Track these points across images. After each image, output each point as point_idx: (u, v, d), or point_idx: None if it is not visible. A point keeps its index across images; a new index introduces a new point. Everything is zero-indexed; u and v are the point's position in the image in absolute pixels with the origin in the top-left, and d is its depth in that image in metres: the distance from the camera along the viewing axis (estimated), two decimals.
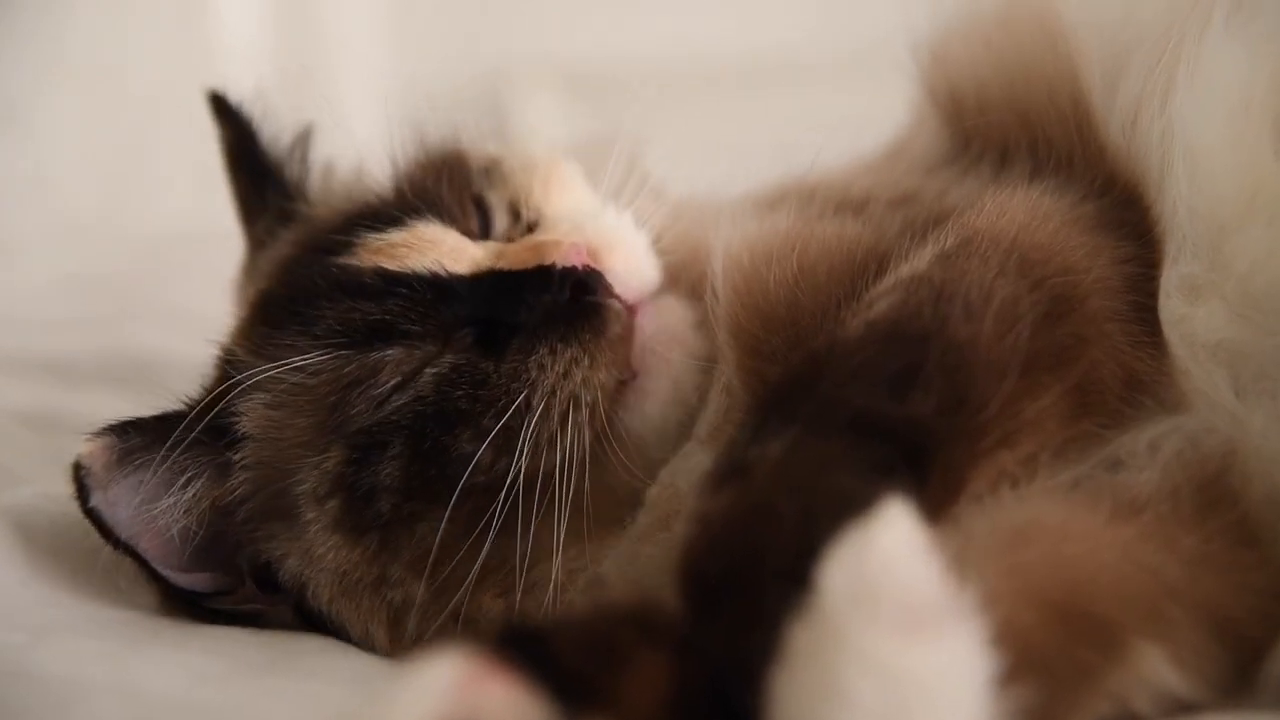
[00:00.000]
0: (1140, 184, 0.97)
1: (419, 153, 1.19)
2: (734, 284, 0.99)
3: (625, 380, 1.01)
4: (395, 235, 1.06)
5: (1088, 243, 0.92)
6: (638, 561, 0.97)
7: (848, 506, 0.69)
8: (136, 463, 0.99)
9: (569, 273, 1.00)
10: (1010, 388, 0.80)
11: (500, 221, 1.12)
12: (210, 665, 0.95)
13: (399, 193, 1.13)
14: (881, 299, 0.86)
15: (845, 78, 1.68)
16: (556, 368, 0.97)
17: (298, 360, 1.00)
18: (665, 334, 1.02)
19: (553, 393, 0.97)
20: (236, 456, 1.02)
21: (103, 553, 1.01)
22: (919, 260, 0.90)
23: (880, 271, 0.93)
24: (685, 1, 2.54)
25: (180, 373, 1.60)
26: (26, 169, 2.43)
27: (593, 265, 1.01)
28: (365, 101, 2.75)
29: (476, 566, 0.96)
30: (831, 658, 0.64)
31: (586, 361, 0.98)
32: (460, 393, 0.99)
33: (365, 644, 1.02)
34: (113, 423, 1.00)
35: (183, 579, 1.03)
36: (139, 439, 1.00)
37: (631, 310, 1.02)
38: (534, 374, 0.98)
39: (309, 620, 1.05)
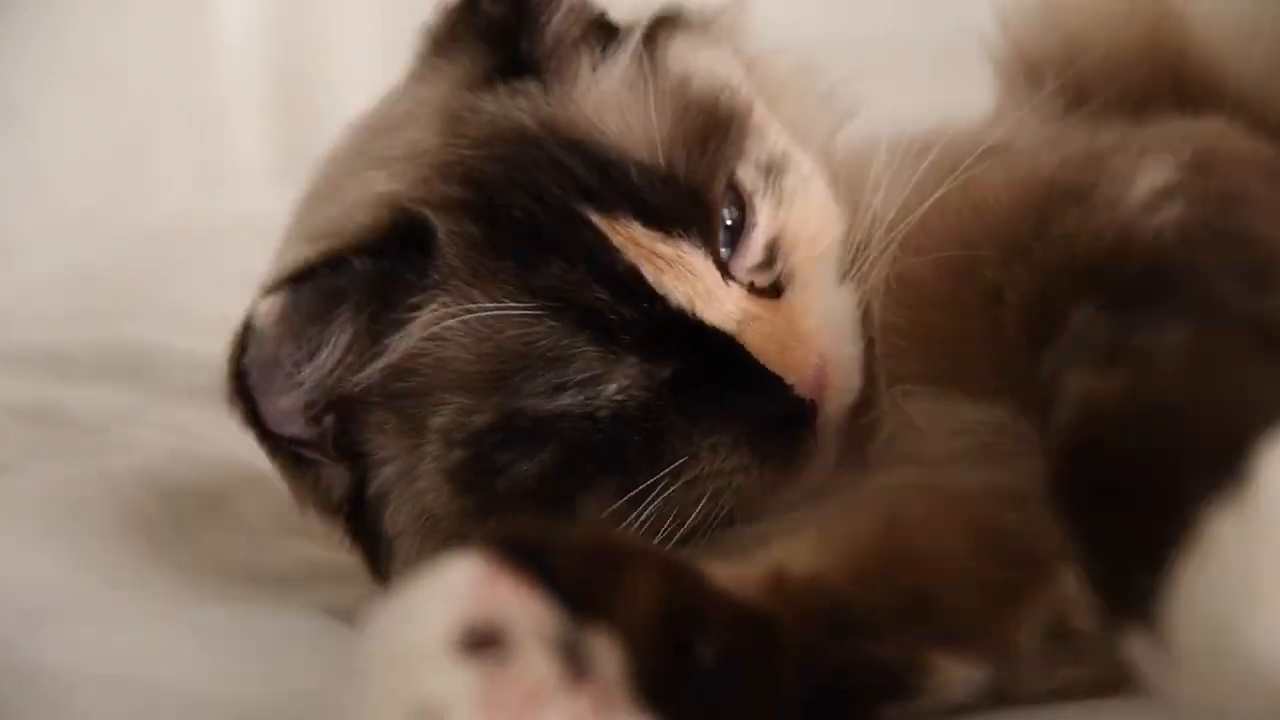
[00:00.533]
0: None
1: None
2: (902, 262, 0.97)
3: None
4: (663, 248, 0.96)
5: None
6: None
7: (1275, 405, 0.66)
8: (299, 330, 0.94)
9: (798, 403, 0.95)
10: None
11: (754, 255, 1.00)
12: (218, 655, 0.94)
13: (670, 163, 0.98)
14: (1162, 204, 0.84)
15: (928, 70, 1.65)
16: (724, 463, 0.94)
17: (507, 306, 0.94)
18: (824, 463, 0.98)
19: (705, 479, 0.94)
20: (393, 345, 0.96)
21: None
22: (1157, 170, 0.88)
23: (1078, 182, 0.90)
24: None
25: (178, 368, 1.62)
26: (26, 166, 2.43)
27: (819, 401, 0.95)
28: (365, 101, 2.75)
29: None
30: (1260, 555, 0.61)
31: (755, 475, 0.95)
32: (633, 434, 0.95)
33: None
34: (290, 274, 0.94)
35: (275, 412, 0.97)
36: (311, 303, 0.94)
37: (819, 442, 0.97)
38: (702, 452, 0.94)
39: (355, 526, 1.01)
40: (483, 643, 0.63)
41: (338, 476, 1.01)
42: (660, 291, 0.95)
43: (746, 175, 1.02)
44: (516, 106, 1.01)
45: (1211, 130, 0.97)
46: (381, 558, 1.01)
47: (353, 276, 0.95)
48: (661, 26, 1.09)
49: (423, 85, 1.08)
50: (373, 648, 0.66)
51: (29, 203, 2.39)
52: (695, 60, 1.07)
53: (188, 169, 2.62)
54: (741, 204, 1.01)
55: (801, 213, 1.03)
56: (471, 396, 0.96)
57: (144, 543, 1.12)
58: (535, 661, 0.64)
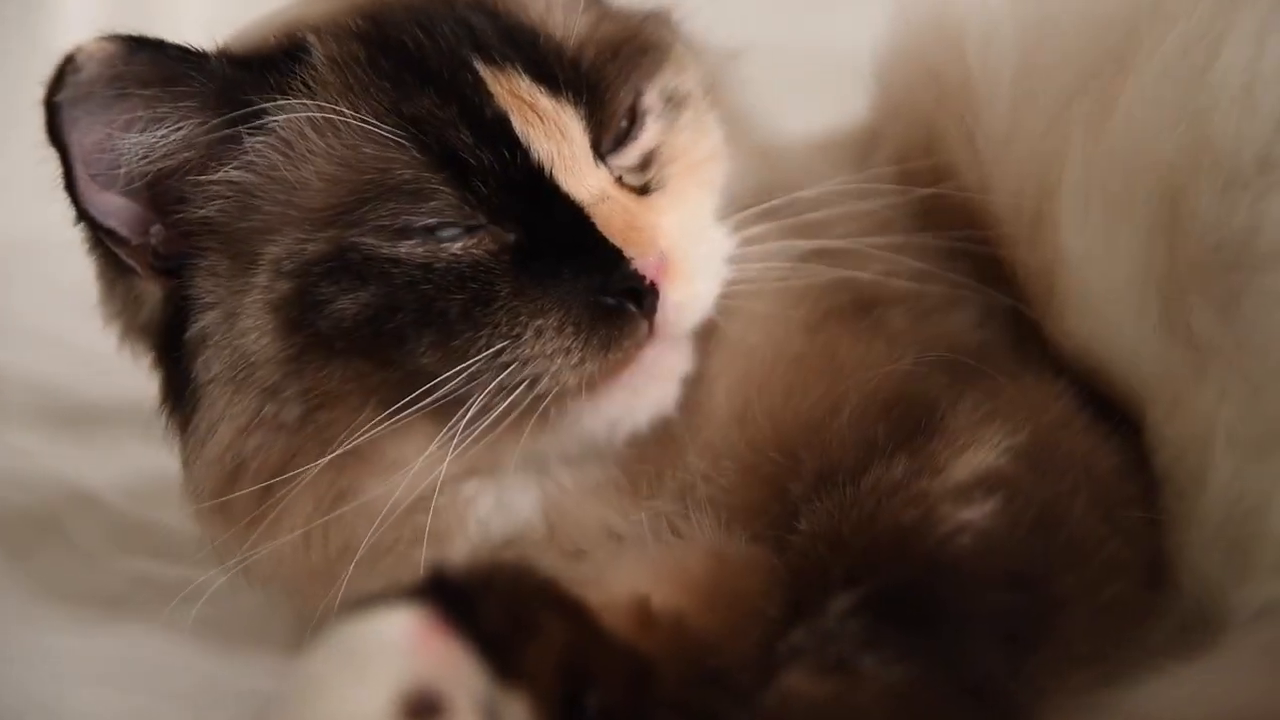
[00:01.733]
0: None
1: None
2: (746, 397, 0.98)
3: (596, 385, 0.96)
4: (544, 101, 0.97)
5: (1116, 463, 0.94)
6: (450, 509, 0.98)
7: None
8: (136, 90, 0.92)
9: (634, 278, 0.94)
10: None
11: (630, 157, 1.03)
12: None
13: (580, 48, 1.02)
14: (976, 497, 0.85)
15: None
16: (545, 345, 0.93)
17: (373, 123, 0.93)
18: (657, 377, 0.99)
19: (524, 362, 0.93)
20: (239, 156, 0.95)
21: None
22: (989, 447, 0.90)
23: (915, 418, 0.93)
24: None
25: (6, 386, 1.57)
26: None
27: (658, 283, 0.96)
28: None
29: (351, 437, 0.94)
30: None
31: (576, 359, 0.94)
32: (461, 295, 0.94)
33: (198, 437, 0.97)
34: (131, 35, 0.91)
35: (98, 200, 0.94)
36: (152, 67, 0.92)
37: (652, 339, 0.97)
38: (526, 334, 0.93)
39: (163, 356, 1.00)
40: (423, 712, 0.66)
41: (150, 295, 1.00)
42: (523, 142, 0.95)
43: (649, 96, 1.05)
44: None
45: (1058, 410, 0.96)
46: (185, 402, 0.98)
47: (205, 70, 0.94)
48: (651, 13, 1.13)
49: None
50: (312, 711, 0.67)
51: None
52: (648, 21, 1.11)
53: (25, 179, 2.52)
54: (634, 118, 1.04)
55: (687, 141, 1.06)
56: (311, 225, 0.94)
57: (17, 568, 1.11)
58: None
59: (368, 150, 0.94)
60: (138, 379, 1.63)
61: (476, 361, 0.92)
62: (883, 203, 1.08)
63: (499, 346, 0.92)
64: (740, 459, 0.96)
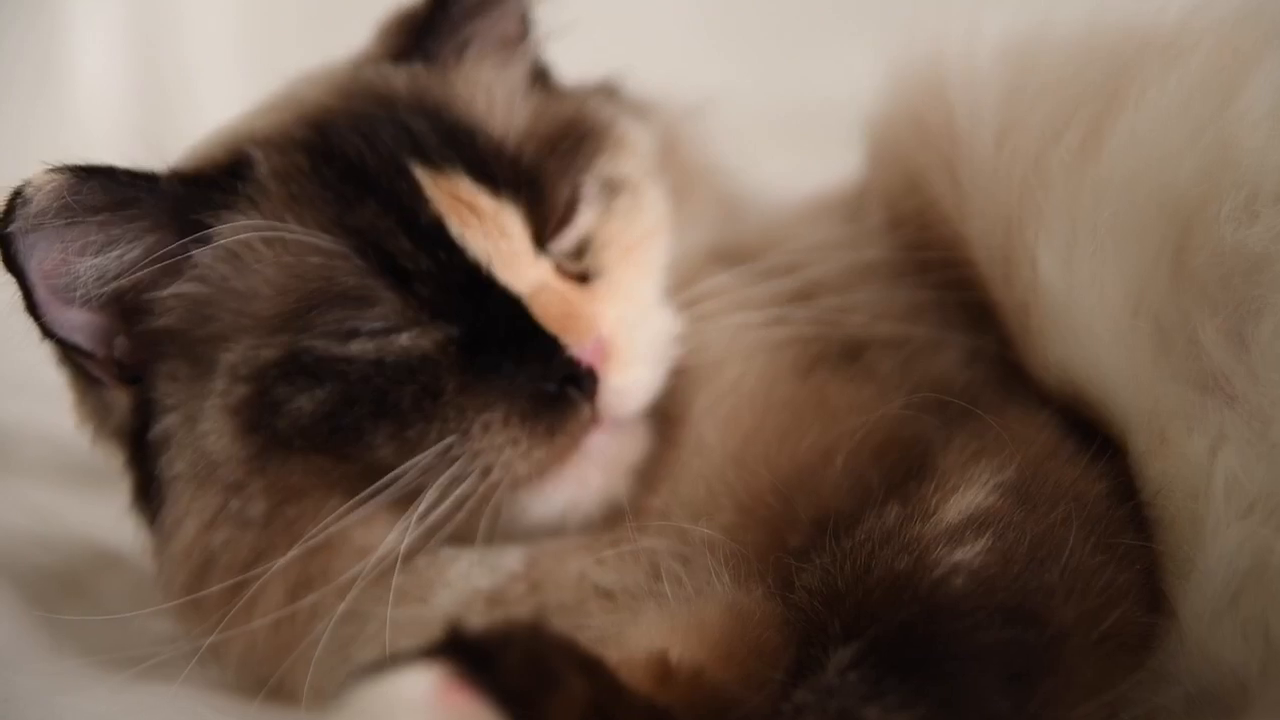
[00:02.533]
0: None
1: (568, 100, 1.14)
2: (741, 437, 0.99)
3: (545, 472, 1.00)
4: (484, 201, 1.02)
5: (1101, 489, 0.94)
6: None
7: None
8: (84, 218, 0.96)
9: (571, 365, 0.99)
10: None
11: (566, 243, 1.08)
12: None
13: (519, 145, 1.07)
14: (968, 537, 0.86)
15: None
16: (494, 438, 0.97)
17: (317, 236, 0.98)
18: (602, 464, 1.02)
19: (475, 455, 0.97)
20: (191, 270, 0.99)
21: None
22: (978, 486, 0.91)
23: (906, 462, 0.94)
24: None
25: (31, 444, 1.56)
26: None
27: (597, 368, 0.99)
28: None
29: (317, 530, 0.97)
30: None
31: (522, 449, 0.98)
32: (411, 387, 0.98)
33: (164, 533, 1.01)
34: (79, 165, 0.96)
35: (60, 317, 0.98)
36: (101, 194, 0.96)
37: (596, 423, 1.01)
38: (474, 429, 0.97)
39: (134, 457, 1.03)
40: None
41: (118, 402, 1.03)
42: (460, 243, 0.99)
43: (587, 186, 1.09)
44: (399, 75, 1.09)
45: (1044, 442, 0.97)
46: (153, 500, 1.02)
47: (155, 191, 0.98)
48: (598, 88, 1.19)
49: (354, 58, 1.16)
50: None
51: None
52: (590, 101, 1.16)
53: None
54: (574, 204, 1.08)
55: (621, 226, 1.10)
56: (264, 331, 0.98)
57: (7, 627, 1.10)
58: None
59: (313, 260, 0.98)
60: None
61: (429, 455, 0.96)
62: (868, 253, 1.11)
63: (449, 441, 0.97)
64: (738, 500, 0.98)
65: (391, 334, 0.98)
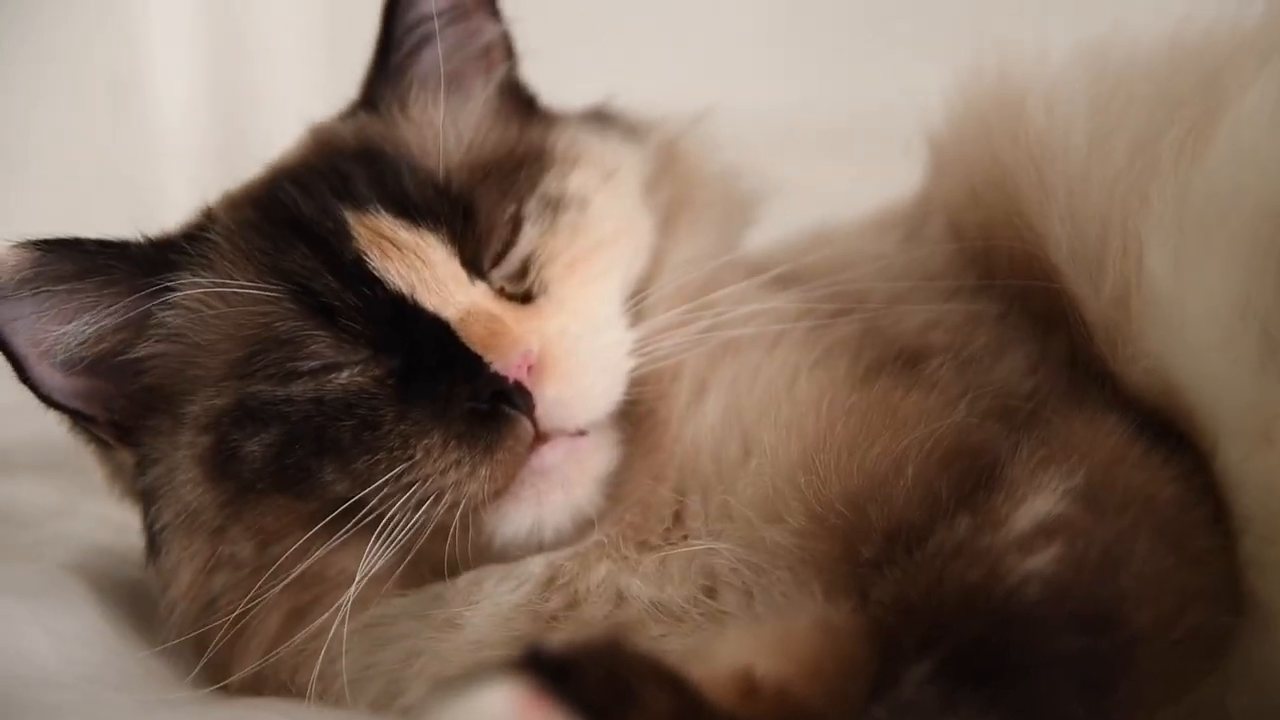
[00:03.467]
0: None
1: (505, 121, 1.17)
2: (806, 443, 0.99)
3: (501, 490, 1.02)
4: (404, 235, 1.04)
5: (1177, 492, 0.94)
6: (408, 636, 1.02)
7: None
8: (51, 287, 1.01)
9: (497, 381, 1.00)
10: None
11: (510, 265, 1.10)
12: None
13: (449, 174, 1.10)
14: (1038, 545, 0.86)
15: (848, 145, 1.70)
16: (438, 462, 0.99)
17: (256, 285, 1.02)
18: (558, 476, 1.03)
19: (424, 480, 0.99)
20: (158, 330, 1.04)
21: None
22: (1047, 494, 0.90)
23: (975, 472, 0.94)
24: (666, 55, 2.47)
25: None
26: None
27: (525, 382, 1.01)
28: None
29: (305, 565, 1.00)
30: None
31: (467, 469, 0.99)
32: (350, 422, 1.00)
33: (163, 580, 1.05)
34: (42, 239, 1.01)
35: (55, 384, 1.04)
36: (65, 264, 1.01)
37: (541, 438, 1.02)
38: (418, 455, 0.99)
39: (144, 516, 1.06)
40: None
41: (126, 462, 1.09)
42: (379, 275, 1.02)
43: (529, 206, 1.11)
44: (348, 126, 1.15)
45: (1112, 446, 0.96)
46: (155, 549, 1.06)
47: (123, 257, 1.03)
48: (589, 115, 1.22)
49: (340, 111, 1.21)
50: None
51: None
52: (557, 126, 1.19)
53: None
54: (517, 226, 1.10)
55: (564, 241, 1.11)
56: (217, 380, 1.03)
57: (120, 644, 1.13)
58: None
59: (253, 309, 1.02)
60: None
61: (383, 484, 0.98)
62: (924, 264, 1.12)
63: (399, 469, 0.99)
64: (809, 507, 0.98)
65: (330, 371, 1.01)
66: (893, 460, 0.97)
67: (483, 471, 0.99)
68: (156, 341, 1.05)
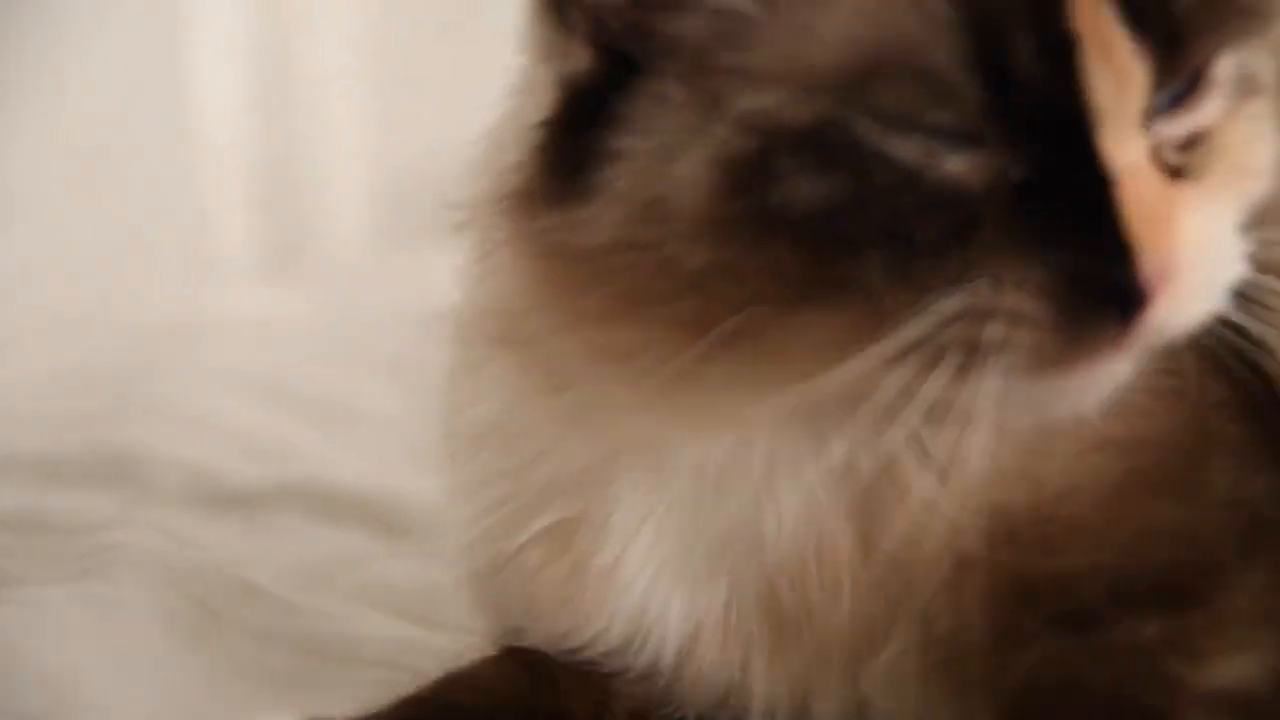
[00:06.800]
0: None
1: None
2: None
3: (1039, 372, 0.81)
4: (1122, 42, 0.78)
5: None
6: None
7: None
8: None
9: (1133, 277, 0.79)
10: None
11: (1178, 129, 0.85)
12: None
13: None
14: (1220, 715, 0.80)
15: None
16: (1019, 305, 0.78)
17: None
18: (1095, 389, 0.84)
19: (985, 316, 0.78)
20: None
21: None
22: (1254, 660, 0.82)
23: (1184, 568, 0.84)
24: None
25: (166, 471, 1.60)
26: (14, 261, 2.43)
27: (1155, 292, 0.79)
28: (352, 189, 2.77)
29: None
30: None
31: (1037, 335, 0.79)
32: (940, 220, 0.78)
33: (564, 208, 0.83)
34: None
35: None
36: None
37: (1118, 347, 0.81)
38: (1002, 285, 0.78)
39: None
40: None
41: (577, 57, 0.85)
42: (1081, 78, 0.79)
43: (1224, 65, 0.87)
44: None
45: None
46: (564, 177, 0.85)
47: None
48: None
49: None
50: None
51: (16, 298, 2.38)
52: None
53: (175, 264, 2.62)
54: (1196, 83, 0.86)
55: (1245, 137, 0.89)
56: (803, 86, 0.78)
57: (190, 658, 1.12)
58: None
59: (907, 18, 0.78)
60: (287, 462, 1.64)
61: (941, 300, 0.77)
62: None
63: (962, 292, 0.78)
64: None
65: (946, 146, 0.78)
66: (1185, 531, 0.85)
67: (1047, 347, 0.78)
68: None
